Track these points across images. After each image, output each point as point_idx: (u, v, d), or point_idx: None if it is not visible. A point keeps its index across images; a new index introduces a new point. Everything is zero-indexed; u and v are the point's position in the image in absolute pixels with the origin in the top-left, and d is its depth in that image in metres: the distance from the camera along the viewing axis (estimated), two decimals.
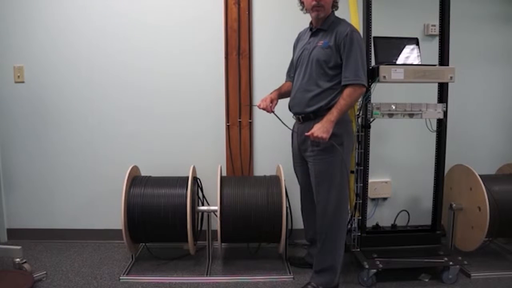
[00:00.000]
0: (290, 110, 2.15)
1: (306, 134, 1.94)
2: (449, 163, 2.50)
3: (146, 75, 2.73)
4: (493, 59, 2.84)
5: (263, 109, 2.10)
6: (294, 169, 2.29)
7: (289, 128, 2.16)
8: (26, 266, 2.24)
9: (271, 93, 2.18)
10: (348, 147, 2.05)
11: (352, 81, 1.92)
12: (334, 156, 1.98)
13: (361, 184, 2.35)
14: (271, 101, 2.11)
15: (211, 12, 2.68)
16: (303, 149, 2.11)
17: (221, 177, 2.41)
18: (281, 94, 2.21)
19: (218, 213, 2.30)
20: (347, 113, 2.08)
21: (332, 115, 1.91)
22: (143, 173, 2.63)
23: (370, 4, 2.27)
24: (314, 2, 1.96)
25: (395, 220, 2.70)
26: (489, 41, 2.82)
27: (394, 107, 2.28)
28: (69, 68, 2.72)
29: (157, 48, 2.71)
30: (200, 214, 2.53)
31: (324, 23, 2.02)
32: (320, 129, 1.89)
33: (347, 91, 1.92)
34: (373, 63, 2.31)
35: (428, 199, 2.54)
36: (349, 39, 1.91)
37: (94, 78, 2.73)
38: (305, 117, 2.05)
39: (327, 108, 1.97)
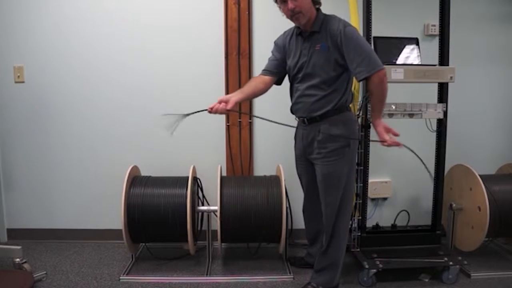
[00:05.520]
0: (293, 113, 2.12)
1: (384, 144, 1.84)
2: (449, 163, 2.50)
3: (146, 75, 2.73)
4: (494, 59, 2.84)
5: (215, 112, 1.90)
6: (298, 171, 2.27)
7: (287, 125, 2.06)
8: (26, 266, 2.24)
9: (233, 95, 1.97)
10: (354, 148, 2.03)
11: (368, 73, 1.82)
12: (341, 158, 1.97)
13: (361, 184, 2.35)
14: (219, 102, 1.90)
15: (211, 12, 2.68)
16: (309, 151, 2.08)
17: (221, 177, 2.41)
18: (247, 96, 2.04)
19: (218, 213, 2.30)
20: (352, 113, 2.08)
21: (380, 111, 1.90)
22: (143, 173, 2.63)
23: (370, 4, 2.26)
24: (289, 12, 1.89)
25: (395, 220, 2.70)
26: (489, 41, 2.82)
27: (394, 107, 2.28)
28: (69, 69, 2.72)
29: (157, 48, 2.71)
30: (200, 214, 2.53)
31: (314, 24, 1.95)
32: (384, 130, 1.85)
33: (372, 83, 1.84)
34: None
35: (428, 199, 2.55)
36: (345, 36, 1.84)
37: (94, 78, 2.73)
38: (311, 120, 2.01)
39: (334, 110, 1.95)
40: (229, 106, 1.89)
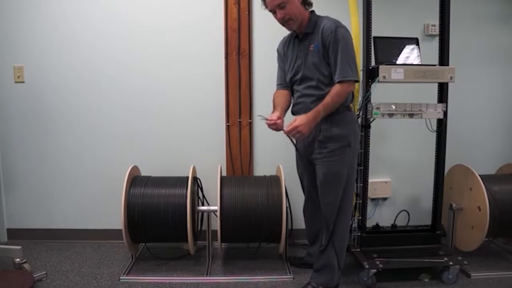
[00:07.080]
0: (294, 114, 2.11)
1: (287, 128, 1.86)
2: (449, 163, 2.50)
3: (146, 75, 2.73)
4: (493, 59, 2.84)
5: (274, 129, 1.95)
6: (298, 171, 2.28)
7: (294, 144, 2.09)
8: (26, 266, 2.24)
9: (274, 111, 2.02)
10: (355, 148, 2.04)
11: (339, 79, 1.88)
12: (342, 158, 1.98)
13: (361, 184, 2.35)
14: (278, 118, 1.95)
15: (211, 12, 2.68)
16: (309, 151, 2.09)
17: (221, 177, 2.41)
18: (285, 111, 2.10)
19: (218, 213, 2.30)
20: (353, 112, 2.08)
21: (319, 114, 1.88)
22: (143, 173, 2.63)
23: (370, 4, 2.26)
24: (280, 20, 1.96)
25: (395, 220, 2.70)
26: (489, 41, 2.82)
27: (394, 107, 2.28)
28: (69, 69, 2.72)
29: (157, 49, 2.71)
30: (200, 214, 2.53)
31: (308, 26, 1.98)
32: (305, 126, 1.84)
33: (334, 89, 1.90)
34: (373, 63, 2.31)
35: (428, 199, 2.54)
36: (333, 36, 1.88)
37: (94, 78, 2.73)
38: None
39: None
40: (281, 126, 1.95)
